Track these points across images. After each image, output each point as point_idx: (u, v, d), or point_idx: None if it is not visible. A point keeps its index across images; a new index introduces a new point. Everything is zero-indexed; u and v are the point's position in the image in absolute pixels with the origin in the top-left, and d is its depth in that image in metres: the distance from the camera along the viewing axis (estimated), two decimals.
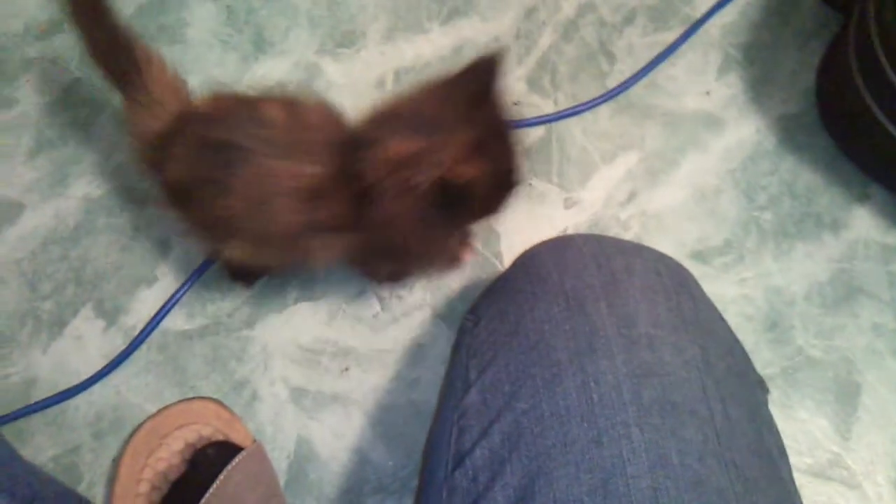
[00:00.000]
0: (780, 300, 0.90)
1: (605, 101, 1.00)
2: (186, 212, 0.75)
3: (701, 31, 1.04)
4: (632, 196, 0.96)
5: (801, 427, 0.85)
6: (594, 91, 1.00)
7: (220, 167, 0.68)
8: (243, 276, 0.91)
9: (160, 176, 0.74)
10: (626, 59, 1.03)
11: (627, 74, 1.01)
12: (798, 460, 0.85)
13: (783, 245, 0.93)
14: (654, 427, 0.49)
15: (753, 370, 0.62)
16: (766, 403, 0.61)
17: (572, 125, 1.00)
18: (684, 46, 1.03)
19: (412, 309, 0.91)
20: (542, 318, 0.58)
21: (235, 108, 0.71)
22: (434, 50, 1.04)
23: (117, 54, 0.73)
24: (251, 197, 0.68)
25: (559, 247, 0.64)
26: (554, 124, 1.00)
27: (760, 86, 1.01)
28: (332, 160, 0.68)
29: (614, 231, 0.95)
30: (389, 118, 0.68)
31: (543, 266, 0.62)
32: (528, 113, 1.00)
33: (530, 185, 0.96)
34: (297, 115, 0.70)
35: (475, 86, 0.67)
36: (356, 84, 1.02)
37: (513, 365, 0.57)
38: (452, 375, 0.64)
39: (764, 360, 0.87)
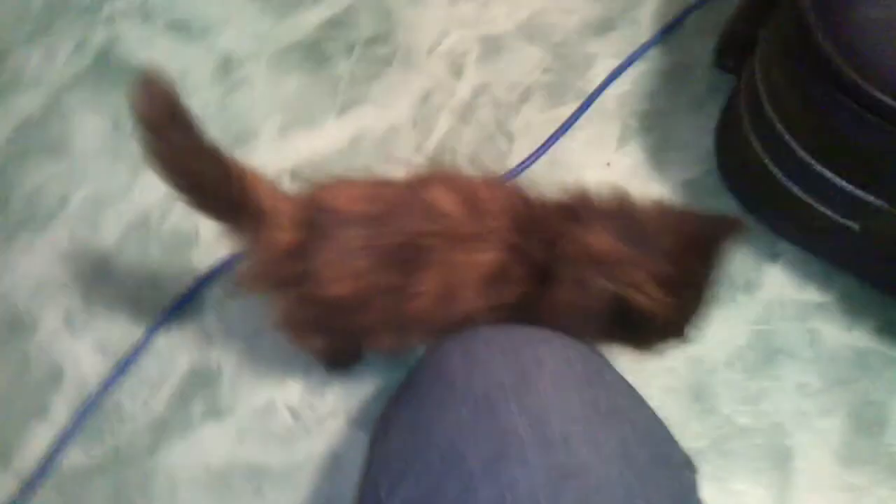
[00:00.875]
0: (702, 369, 0.88)
1: (506, 181, 0.98)
2: (339, 322, 0.70)
3: (597, 104, 1.05)
4: None
5: (737, 500, 0.81)
6: (496, 172, 0.99)
7: (401, 272, 0.65)
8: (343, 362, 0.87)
9: (307, 290, 0.66)
10: (524, 138, 1.02)
11: (527, 152, 1.00)
12: None
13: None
14: None
15: (679, 451, 0.59)
16: (695, 488, 0.58)
17: None
18: (582, 120, 1.03)
19: (325, 417, 0.86)
20: (451, 426, 0.54)
21: (400, 201, 0.67)
22: (330, 143, 1.02)
23: (223, 190, 0.64)
24: (435, 295, 0.66)
25: (466, 341, 0.61)
26: None
27: (661, 153, 1.01)
28: (512, 243, 0.66)
29: None
30: (604, 211, 0.68)
31: (450, 364, 0.59)
32: None
33: None
34: (472, 200, 0.67)
35: (703, 232, 0.66)
36: None
37: (424, 480, 0.53)
38: (364, 493, 0.59)
39: (693, 432, 0.84)
